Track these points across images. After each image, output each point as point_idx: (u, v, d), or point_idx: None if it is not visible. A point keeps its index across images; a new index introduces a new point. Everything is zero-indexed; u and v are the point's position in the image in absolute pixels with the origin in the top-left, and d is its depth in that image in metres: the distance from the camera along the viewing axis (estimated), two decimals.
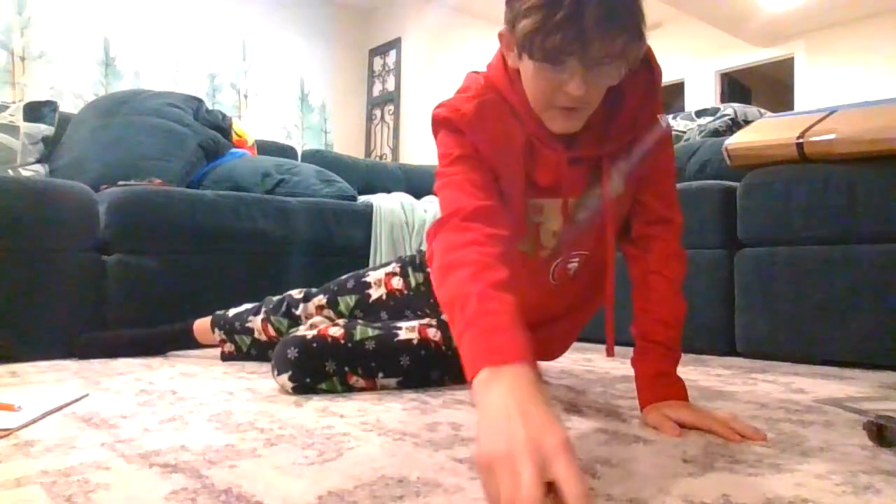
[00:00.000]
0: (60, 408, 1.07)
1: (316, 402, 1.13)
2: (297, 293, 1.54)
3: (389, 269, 1.48)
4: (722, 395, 1.21)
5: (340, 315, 1.47)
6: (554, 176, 0.99)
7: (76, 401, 1.14)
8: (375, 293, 1.46)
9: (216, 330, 1.63)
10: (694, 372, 1.50)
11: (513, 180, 0.98)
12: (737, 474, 0.72)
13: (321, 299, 1.50)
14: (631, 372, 1.48)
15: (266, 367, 1.57)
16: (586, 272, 1.14)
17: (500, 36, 0.96)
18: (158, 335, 1.75)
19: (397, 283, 1.47)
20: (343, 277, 1.52)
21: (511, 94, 0.97)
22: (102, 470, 0.74)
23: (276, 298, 1.57)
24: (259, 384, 1.32)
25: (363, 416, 1.01)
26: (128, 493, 0.66)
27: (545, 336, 1.20)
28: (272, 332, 1.54)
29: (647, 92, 0.99)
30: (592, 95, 0.90)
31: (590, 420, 0.99)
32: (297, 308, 1.51)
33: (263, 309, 1.57)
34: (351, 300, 1.48)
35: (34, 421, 0.98)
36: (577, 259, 1.11)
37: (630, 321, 1.11)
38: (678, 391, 0.98)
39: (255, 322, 1.57)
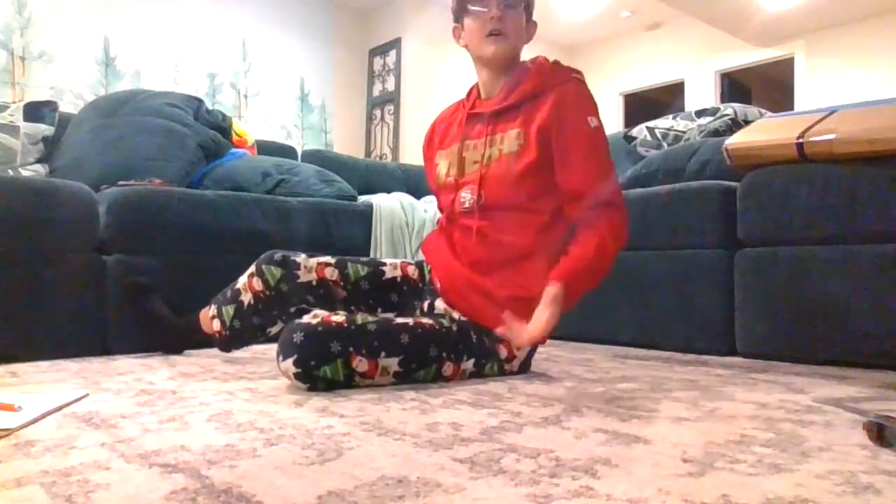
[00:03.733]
0: (60, 408, 1.08)
1: (316, 402, 1.13)
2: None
3: (406, 260, 1.63)
4: (722, 395, 1.21)
5: (346, 279, 1.51)
6: (456, 132, 1.53)
7: (76, 401, 1.14)
8: (390, 273, 1.56)
9: (212, 306, 1.62)
10: (694, 372, 1.50)
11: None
12: (737, 474, 0.72)
13: (328, 259, 1.53)
14: (631, 373, 1.49)
15: (266, 367, 1.57)
16: (489, 233, 1.42)
17: (454, 31, 1.51)
18: (177, 325, 1.74)
19: (413, 271, 1.59)
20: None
21: (468, 94, 1.57)
22: (102, 470, 0.74)
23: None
24: (259, 384, 1.32)
25: (363, 416, 1.01)
26: (128, 493, 0.66)
27: (455, 269, 1.46)
28: (258, 286, 1.51)
29: (543, 76, 1.42)
30: (508, 25, 1.41)
31: (590, 420, 0.99)
32: (298, 257, 1.51)
33: (254, 264, 1.55)
34: (362, 269, 1.54)
35: (34, 421, 0.98)
36: (468, 190, 1.45)
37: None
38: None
39: (241, 281, 1.56)
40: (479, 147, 1.46)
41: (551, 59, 1.49)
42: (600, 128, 1.39)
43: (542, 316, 1.24)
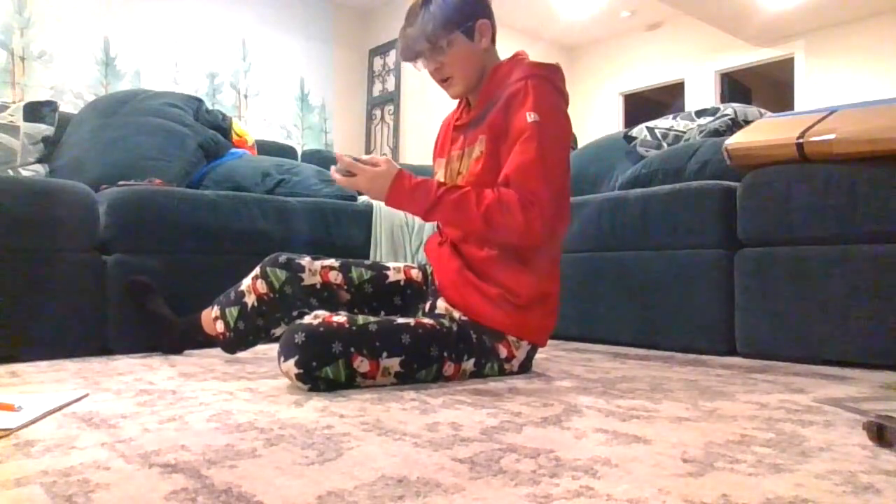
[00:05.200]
0: (60, 408, 1.08)
1: (316, 402, 1.13)
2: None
3: (409, 264, 1.62)
4: (722, 394, 1.21)
5: (349, 282, 1.51)
6: (445, 141, 1.57)
7: (76, 401, 1.14)
8: (394, 277, 1.56)
9: (215, 308, 1.62)
10: (694, 372, 1.50)
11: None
12: (737, 474, 0.72)
13: (332, 262, 1.54)
14: (631, 373, 1.49)
15: (266, 366, 1.57)
16: (457, 240, 1.47)
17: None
18: (177, 325, 1.75)
19: (416, 274, 1.58)
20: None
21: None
22: (102, 470, 0.74)
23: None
24: (259, 384, 1.33)
25: (363, 416, 1.01)
26: (128, 493, 0.66)
27: (452, 267, 1.45)
28: (262, 288, 1.51)
29: (501, 78, 1.43)
30: (448, 69, 1.44)
31: (590, 420, 0.99)
32: (302, 260, 1.51)
33: (258, 266, 1.55)
34: (365, 273, 1.54)
35: (34, 421, 0.98)
36: None
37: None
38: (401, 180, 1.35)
39: (245, 283, 1.56)
40: (459, 158, 1.49)
41: (550, 59, 1.48)
42: (540, 122, 1.33)
43: (360, 175, 1.35)
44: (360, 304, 1.52)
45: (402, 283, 1.56)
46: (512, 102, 1.38)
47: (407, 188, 1.34)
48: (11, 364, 1.61)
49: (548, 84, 1.39)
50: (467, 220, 1.34)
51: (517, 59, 1.48)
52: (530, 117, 1.34)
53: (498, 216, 1.31)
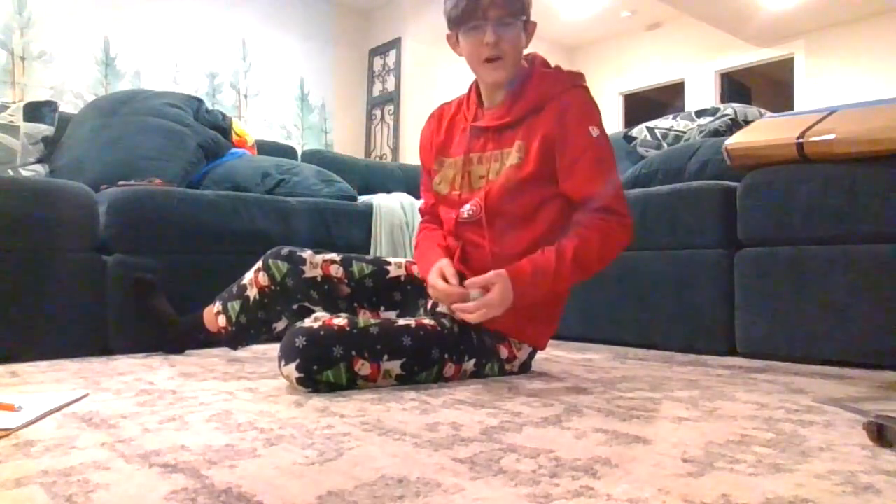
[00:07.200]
0: (60, 408, 1.08)
1: (316, 402, 1.13)
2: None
3: (411, 260, 1.60)
4: (722, 395, 1.21)
5: (350, 276, 1.51)
6: (459, 140, 1.47)
7: (76, 401, 1.14)
8: (395, 272, 1.55)
9: (217, 303, 1.62)
10: (694, 372, 1.50)
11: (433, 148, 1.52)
12: (737, 474, 0.72)
13: (334, 256, 1.53)
14: (631, 373, 1.49)
15: (266, 366, 1.57)
16: (497, 230, 1.39)
17: (448, 38, 1.41)
18: (180, 324, 1.75)
19: (417, 270, 1.56)
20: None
21: (468, 94, 1.49)
22: (102, 470, 0.74)
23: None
24: (259, 384, 1.33)
25: (363, 416, 1.01)
26: (128, 493, 0.66)
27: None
28: (264, 281, 1.51)
29: (545, 86, 1.37)
30: (504, 48, 1.33)
31: (590, 420, 0.99)
32: (304, 253, 1.51)
33: (261, 259, 1.55)
34: (366, 268, 1.53)
35: (34, 421, 0.98)
36: (473, 205, 1.40)
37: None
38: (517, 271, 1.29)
39: (247, 277, 1.56)
40: (485, 161, 1.41)
41: (550, 59, 1.48)
42: (602, 136, 1.36)
43: (479, 303, 1.26)
44: (361, 298, 1.52)
45: (402, 278, 1.56)
46: (566, 115, 1.34)
47: (527, 272, 1.28)
48: (11, 364, 1.61)
49: (589, 93, 1.40)
50: (586, 264, 1.32)
51: (542, 63, 1.44)
52: (594, 132, 1.34)
53: (603, 246, 1.32)
